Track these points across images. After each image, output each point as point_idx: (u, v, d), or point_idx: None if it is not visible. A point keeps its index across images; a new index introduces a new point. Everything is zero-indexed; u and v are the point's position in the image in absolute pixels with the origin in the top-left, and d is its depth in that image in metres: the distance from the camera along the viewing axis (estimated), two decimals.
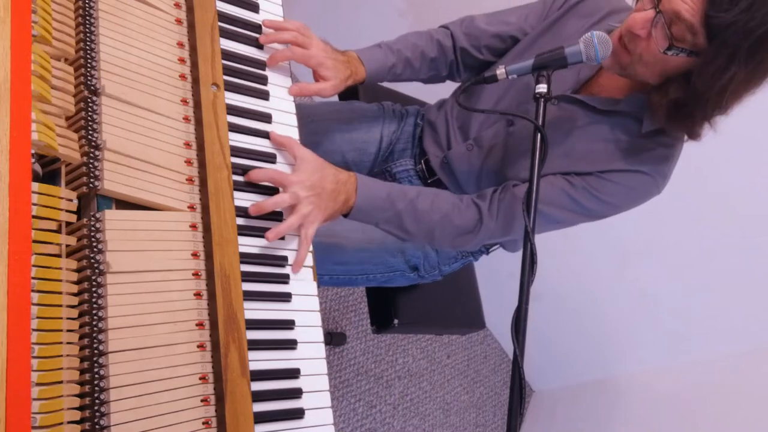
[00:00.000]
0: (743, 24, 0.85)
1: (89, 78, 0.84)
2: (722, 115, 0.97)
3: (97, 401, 0.72)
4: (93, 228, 0.78)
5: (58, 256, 0.74)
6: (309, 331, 0.96)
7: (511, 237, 1.20)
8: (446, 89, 1.38)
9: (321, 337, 0.97)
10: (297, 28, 1.10)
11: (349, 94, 1.56)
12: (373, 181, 1.11)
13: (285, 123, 1.06)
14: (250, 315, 0.88)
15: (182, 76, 0.95)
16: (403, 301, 1.49)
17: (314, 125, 1.18)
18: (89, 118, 0.82)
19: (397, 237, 1.18)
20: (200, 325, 0.83)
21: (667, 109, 0.99)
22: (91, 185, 0.80)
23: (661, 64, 0.96)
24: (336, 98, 1.16)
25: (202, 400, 0.80)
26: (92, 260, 0.77)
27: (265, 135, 1.02)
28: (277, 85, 1.08)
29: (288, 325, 0.94)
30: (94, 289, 0.76)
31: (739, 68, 0.88)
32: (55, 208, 0.74)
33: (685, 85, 0.95)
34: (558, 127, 1.14)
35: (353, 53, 1.18)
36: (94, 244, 0.78)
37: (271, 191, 0.99)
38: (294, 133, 1.07)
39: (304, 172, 0.99)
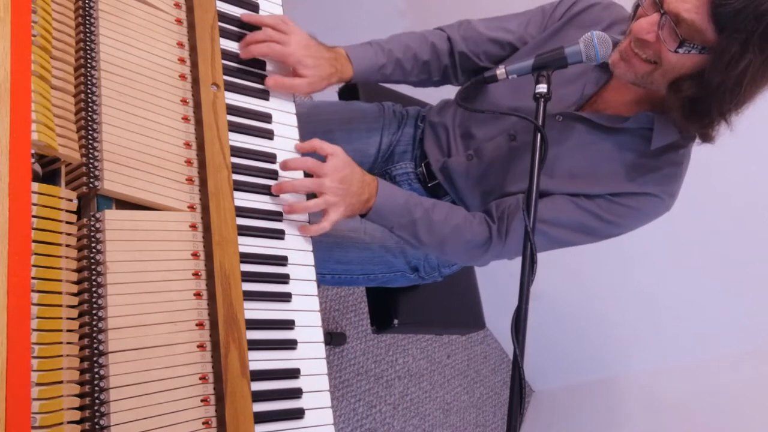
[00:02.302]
0: (753, 9, 0.83)
1: (89, 78, 0.84)
2: (742, 109, 0.94)
3: (97, 401, 0.72)
4: (93, 228, 0.78)
5: (58, 256, 0.74)
6: (309, 331, 0.96)
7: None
8: (450, 90, 1.37)
9: (321, 337, 0.97)
10: (275, 24, 1.06)
11: (349, 94, 1.56)
12: (393, 188, 1.14)
13: (285, 123, 1.07)
14: (250, 315, 0.87)
15: (182, 76, 0.95)
16: (403, 301, 1.49)
17: (313, 126, 1.18)
18: (89, 118, 0.82)
19: (409, 244, 1.19)
20: (200, 325, 0.83)
21: (683, 108, 0.97)
22: (91, 185, 0.80)
23: (677, 68, 0.94)
24: (336, 98, 1.15)
25: (202, 400, 0.80)
26: (92, 260, 0.77)
27: (265, 135, 1.02)
28: None
29: (288, 325, 0.94)
30: (94, 289, 0.76)
31: (755, 55, 0.86)
32: (55, 208, 0.74)
33: (700, 81, 0.92)
34: (563, 145, 1.13)
35: (341, 50, 1.15)
36: (94, 244, 0.78)
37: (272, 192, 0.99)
38: (294, 133, 1.07)
39: (336, 165, 1.02)
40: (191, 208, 0.89)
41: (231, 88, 1.01)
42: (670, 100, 0.98)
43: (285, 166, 1.01)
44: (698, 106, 0.95)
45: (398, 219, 1.13)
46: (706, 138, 1.00)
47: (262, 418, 0.85)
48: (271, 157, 1.02)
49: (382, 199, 1.09)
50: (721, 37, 0.87)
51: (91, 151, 0.81)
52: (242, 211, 0.94)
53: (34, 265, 0.70)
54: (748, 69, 0.87)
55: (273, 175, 1.01)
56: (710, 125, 0.98)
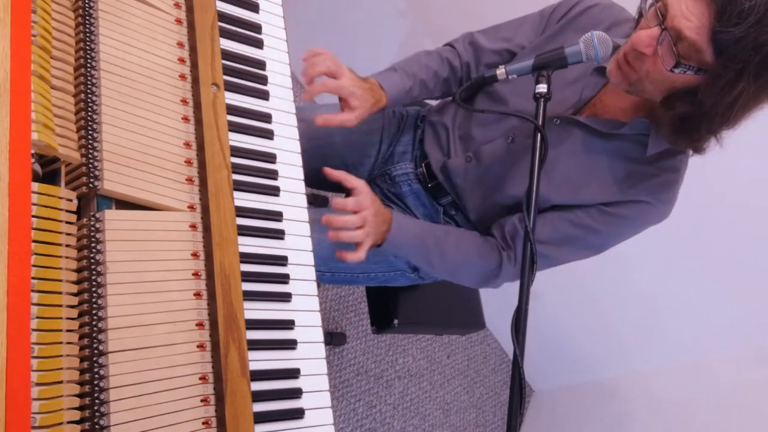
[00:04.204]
0: (753, 39, 0.82)
1: (89, 78, 0.84)
2: (732, 128, 0.95)
3: (96, 401, 0.72)
4: (93, 228, 0.78)
5: (58, 256, 0.74)
6: (309, 331, 0.96)
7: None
8: None
9: (321, 337, 0.97)
10: (327, 65, 1.11)
11: None
12: (406, 218, 1.18)
13: (285, 123, 1.06)
14: (250, 315, 0.88)
15: (182, 76, 0.95)
16: (403, 301, 1.49)
17: (314, 128, 1.18)
18: (89, 118, 0.82)
19: (423, 270, 1.21)
20: (200, 325, 0.83)
21: (673, 124, 0.97)
22: (91, 185, 0.80)
23: (669, 81, 0.94)
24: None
25: (202, 400, 0.80)
26: (92, 260, 0.77)
27: (265, 135, 1.03)
28: (277, 85, 1.08)
29: (288, 325, 0.94)
30: (94, 289, 0.76)
31: (748, 84, 0.86)
32: (55, 208, 0.74)
33: (692, 101, 0.93)
34: (560, 149, 1.13)
35: (374, 80, 1.18)
36: (94, 244, 0.78)
37: (274, 192, 0.99)
38: (294, 133, 1.07)
39: (374, 199, 1.09)
40: (191, 208, 0.89)
41: (231, 88, 1.01)
42: (661, 115, 0.98)
43: (334, 175, 1.08)
44: (688, 123, 0.96)
45: (411, 249, 1.17)
46: (696, 150, 1.01)
47: (262, 418, 0.85)
48: (271, 157, 1.02)
49: (396, 229, 1.13)
50: (718, 62, 0.86)
51: (91, 151, 0.81)
52: (242, 211, 0.94)
53: (34, 265, 0.70)
54: (741, 96, 0.87)
55: (273, 175, 1.01)
56: (699, 141, 0.98)
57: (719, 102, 0.89)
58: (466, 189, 1.27)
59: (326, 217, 1.06)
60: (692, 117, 0.94)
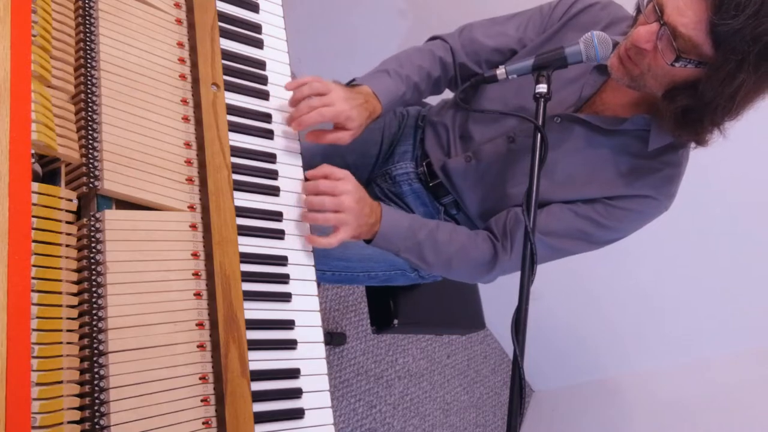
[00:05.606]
0: (751, 30, 0.83)
1: (89, 78, 0.84)
2: (735, 119, 0.95)
3: (97, 401, 0.72)
4: (93, 228, 0.78)
5: (58, 256, 0.74)
6: (309, 331, 0.96)
7: None
8: (448, 90, 1.37)
9: (321, 337, 0.97)
10: (313, 87, 1.05)
11: None
12: (396, 211, 1.15)
13: (285, 123, 1.06)
14: (250, 315, 0.88)
15: (182, 76, 0.95)
16: (403, 301, 1.49)
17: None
18: (89, 118, 0.82)
19: (416, 266, 1.21)
20: (200, 325, 0.83)
21: (675, 117, 0.97)
22: (91, 185, 0.80)
23: (670, 75, 0.94)
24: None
25: (202, 400, 0.80)
26: (92, 260, 0.77)
27: (265, 135, 1.02)
28: (277, 85, 1.08)
29: (288, 325, 0.94)
30: (94, 289, 0.76)
31: (748, 75, 0.86)
32: (55, 208, 0.74)
33: (694, 94, 0.93)
34: (562, 147, 1.13)
35: (368, 89, 1.13)
36: (94, 244, 0.78)
37: (274, 192, 0.99)
38: (294, 133, 1.07)
39: (356, 186, 1.03)
40: (191, 208, 0.89)
41: (231, 88, 1.01)
42: (663, 108, 0.98)
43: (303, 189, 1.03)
44: (690, 115, 0.96)
45: (404, 242, 1.13)
46: (700, 142, 1.01)
47: (262, 418, 0.85)
48: (271, 157, 1.02)
49: (387, 222, 1.10)
50: (718, 54, 0.87)
51: (91, 151, 0.81)
52: (242, 211, 0.94)
53: (34, 265, 0.70)
54: (742, 87, 0.88)
55: (273, 175, 1.01)
56: (702, 133, 0.98)
57: (720, 94, 0.90)
58: (466, 189, 1.27)
59: (306, 200, 1.02)
60: (694, 110, 0.95)
